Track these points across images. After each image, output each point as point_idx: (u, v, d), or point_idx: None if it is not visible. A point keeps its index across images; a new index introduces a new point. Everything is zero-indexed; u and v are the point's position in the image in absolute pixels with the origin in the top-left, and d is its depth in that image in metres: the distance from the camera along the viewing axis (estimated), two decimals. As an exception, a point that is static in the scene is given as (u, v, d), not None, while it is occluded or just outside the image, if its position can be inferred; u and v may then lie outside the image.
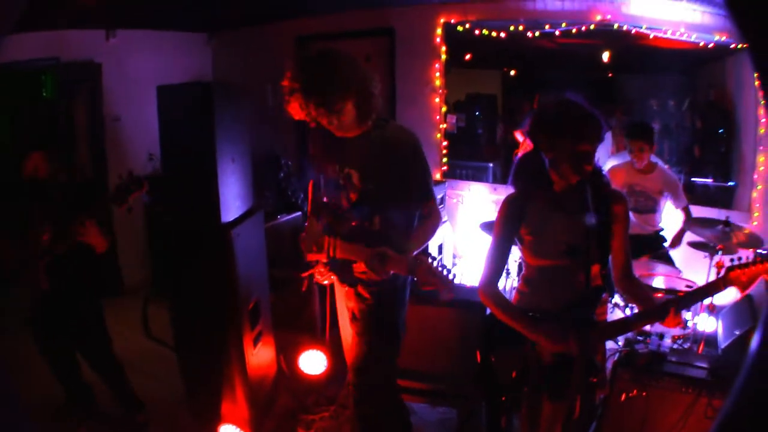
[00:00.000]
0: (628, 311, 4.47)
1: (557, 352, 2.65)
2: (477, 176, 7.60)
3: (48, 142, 4.02)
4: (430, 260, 2.72)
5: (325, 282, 3.31)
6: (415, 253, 2.96)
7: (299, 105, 2.93)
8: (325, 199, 3.31)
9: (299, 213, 6.42)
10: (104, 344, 4.34)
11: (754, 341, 1.08)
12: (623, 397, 3.47)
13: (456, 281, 2.75)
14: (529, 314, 2.78)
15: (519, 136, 7.11)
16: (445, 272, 2.72)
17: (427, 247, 3.38)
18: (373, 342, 3.26)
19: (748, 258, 2.60)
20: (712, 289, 2.70)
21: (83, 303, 4.19)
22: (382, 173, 3.06)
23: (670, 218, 5.58)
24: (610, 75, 8.18)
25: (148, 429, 4.39)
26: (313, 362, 4.56)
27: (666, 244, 5.48)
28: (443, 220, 3.34)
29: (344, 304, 3.47)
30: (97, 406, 4.45)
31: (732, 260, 2.61)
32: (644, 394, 3.43)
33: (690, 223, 5.28)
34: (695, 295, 2.78)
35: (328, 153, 3.25)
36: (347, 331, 3.53)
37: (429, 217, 3.15)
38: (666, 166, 5.57)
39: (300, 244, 3.26)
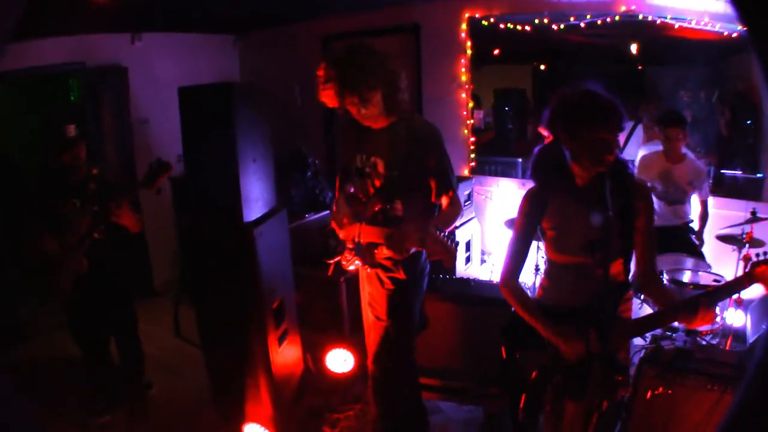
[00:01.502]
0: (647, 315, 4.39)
1: (570, 356, 2.63)
2: (506, 172, 7.53)
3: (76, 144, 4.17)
4: (438, 232, 2.75)
5: (351, 267, 3.47)
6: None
7: (334, 93, 3.11)
8: (352, 189, 3.45)
9: (327, 212, 6.41)
10: (132, 322, 4.56)
11: (762, 335, 1.06)
12: (649, 394, 3.40)
13: (456, 249, 2.77)
14: (549, 312, 2.76)
15: (544, 132, 7.05)
16: (448, 242, 2.74)
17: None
18: (389, 327, 3.42)
19: None
20: (737, 285, 2.62)
21: (117, 282, 4.42)
22: (406, 162, 3.21)
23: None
24: (639, 67, 8.07)
25: (152, 388, 4.82)
26: (339, 361, 4.57)
27: (696, 240, 5.40)
28: (464, 211, 3.42)
29: (366, 292, 3.59)
30: (122, 394, 4.59)
31: (758, 255, 2.53)
32: (670, 391, 3.35)
33: (706, 219, 5.30)
34: (721, 292, 2.70)
35: (356, 143, 3.43)
36: (369, 319, 3.62)
37: (450, 205, 3.28)
38: (695, 157, 5.48)
39: (332, 225, 3.49)
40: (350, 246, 3.38)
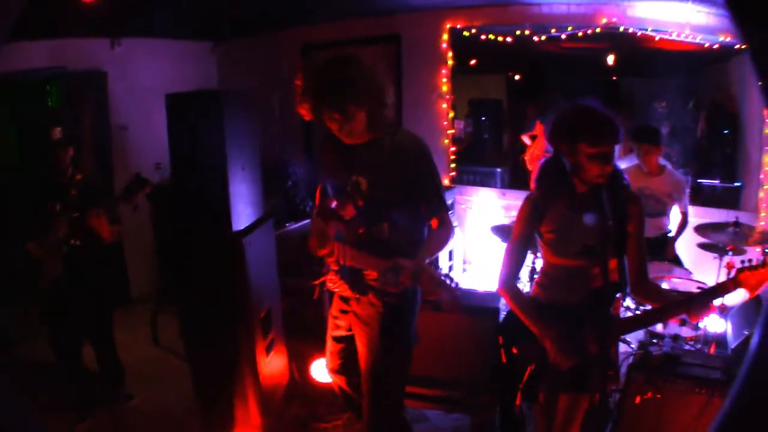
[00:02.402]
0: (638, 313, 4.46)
1: (556, 364, 2.71)
2: (485, 181, 7.59)
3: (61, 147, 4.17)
4: (434, 270, 2.70)
5: (337, 289, 3.28)
6: (426, 260, 2.92)
7: (311, 106, 2.89)
8: (333, 205, 3.23)
9: (308, 221, 6.38)
10: (107, 331, 4.61)
11: (753, 340, 1.08)
12: (638, 399, 3.47)
13: (460, 289, 2.70)
14: (546, 309, 2.86)
15: (526, 140, 7.11)
16: (448, 282, 2.71)
17: (437, 257, 3.32)
18: (384, 350, 3.17)
19: (758, 261, 2.62)
20: (721, 290, 2.73)
21: (92, 290, 4.40)
22: (391, 180, 2.99)
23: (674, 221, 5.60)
24: (614, 78, 8.17)
25: (133, 399, 4.75)
26: (324, 370, 4.54)
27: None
28: (454, 227, 3.26)
29: (337, 316, 3.40)
30: (97, 395, 4.58)
31: (742, 262, 2.64)
32: (658, 396, 3.43)
33: (684, 229, 5.41)
34: (712, 292, 2.77)
35: (336, 160, 3.18)
36: (332, 346, 3.48)
37: (441, 226, 3.06)
38: (674, 168, 5.56)
39: (309, 245, 3.16)
40: (335, 268, 3.18)
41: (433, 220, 3.07)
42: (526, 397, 2.93)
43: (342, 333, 3.38)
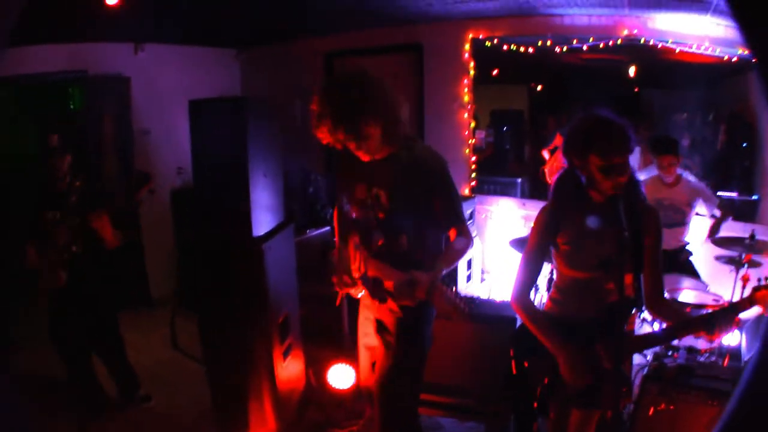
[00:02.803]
0: (656, 326, 4.44)
1: (569, 380, 2.68)
2: (505, 191, 7.58)
3: (75, 153, 4.20)
4: (447, 287, 2.70)
5: (359, 294, 3.31)
6: (443, 272, 2.95)
7: (328, 130, 2.93)
8: (354, 215, 3.28)
9: (328, 228, 6.44)
10: (113, 338, 4.64)
11: (754, 352, 1.10)
12: (651, 411, 3.46)
13: (472, 303, 2.71)
14: (559, 324, 2.80)
15: (546, 154, 7.11)
16: (460, 301, 2.69)
17: (455, 269, 3.33)
18: (400, 354, 3.23)
19: None
20: (738, 308, 2.64)
21: (96, 297, 4.44)
22: (410, 193, 3.04)
23: (696, 232, 5.61)
24: (635, 90, 8.14)
25: (150, 401, 4.73)
26: (341, 376, 4.56)
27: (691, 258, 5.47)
28: (473, 239, 3.29)
29: (368, 318, 3.44)
30: (105, 406, 4.65)
31: (759, 280, 2.61)
32: (672, 407, 3.42)
33: (729, 214, 5.40)
34: (727, 311, 2.75)
35: (356, 173, 3.23)
36: (365, 354, 3.53)
37: (459, 237, 3.10)
38: (690, 176, 5.55)
39: (333, 279, 3.28)
40: (356, 275, 3.23)
41: (451, 231, 3.11)
42: (538, 412, 2.93)
43: (371, 341, 3.42)
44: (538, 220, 2.90)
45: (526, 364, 2.93)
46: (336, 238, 3.45)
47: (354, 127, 2.88)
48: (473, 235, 6.39)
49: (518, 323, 2.98)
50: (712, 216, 5.51)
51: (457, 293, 2.72)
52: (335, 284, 3.28)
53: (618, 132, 2.60)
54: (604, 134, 2.60)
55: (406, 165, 3.05)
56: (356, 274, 3.21)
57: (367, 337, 3.46)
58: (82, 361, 4.49)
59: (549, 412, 2.92)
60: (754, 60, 1.10)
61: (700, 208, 5.49)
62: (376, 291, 3.18)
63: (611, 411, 2.69)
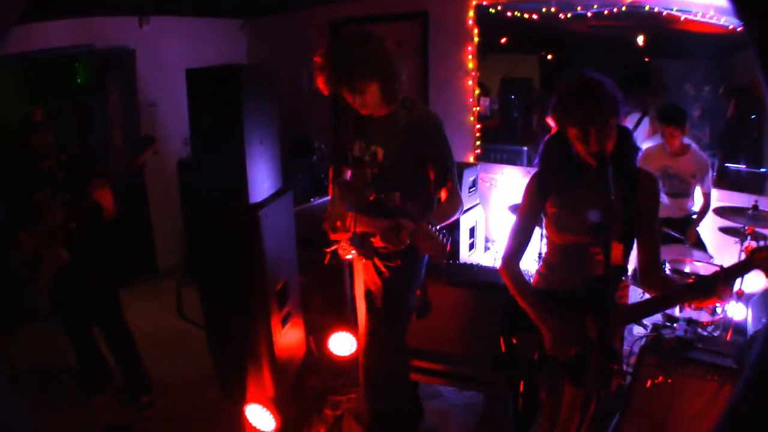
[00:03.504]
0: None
1: (555, 354, 2.66)
2: (511, 159, 7.53)
3: (81, 127, 4.13)
4: (431, 227, 2.71)
5: (348, 256, 3.41)
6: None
7: (324, 80, 3.12)
8: (348, 175, 3.41)
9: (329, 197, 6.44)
10: (119, 317, 4.53)
11: (760, 334, 1.08)
12: (649, 383, 3.41)
13: (448, 244, 2.71)
14: (547, 297, 2.77)
15: (551, 122, 7.04)
16: (440, 236, 2.70)
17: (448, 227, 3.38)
18: (383, 314, 3.41)
19: None
20: (736, 271, 2.57)
21: (98, 275, 4.38)
22: (405, 151, 3.18)
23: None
24: (646, 59, 8.05)
25: (151, 409, 4.51)
26: (342, 344, 4.60)
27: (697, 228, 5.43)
28: (463, 205, 3.36)
29: (361, 281, 3.58)
30: (110, 383, 4.64)
31: (758, 242, 2.55)
32: (669, 380, 3.36)
33: (706, 212, 5.35)
34: (718, 279, 2.68)
35: (355, 131, 3.41)
36: (362, 313, 3.62)
37: (449, 197, 3.21)
38: (699, 149, 5.49)
39: (323, 225, 3.39)
40: (346, 236, 3.33)
41: (442, 191, 3.22)
42: (531, 393, 2.91)
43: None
44: (528, 187, 2.87)
45: (514, 341, 2.92)
46: (329, 191, 3.58)
47: (350, 80, 3.07)
48: (475, 202, 6.42)
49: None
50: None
51: (439, 230, 2.73)
52: (327, 230, 3.38)
53: (594, 98, 2.51)
54: (578, 101, 2.53)
55: (404, 123, 3.20)
56: (348, 235, 3.30)
57: (362, 301, 3.59)
58: (86, 337, 4.49)
59: (540, 389, 2.91)
60: (749, 37, 1.07)
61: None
62: (365, 248, 3.31)
63: (601, 389, 2.57)
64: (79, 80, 6.65)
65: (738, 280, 4.07)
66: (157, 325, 5.64)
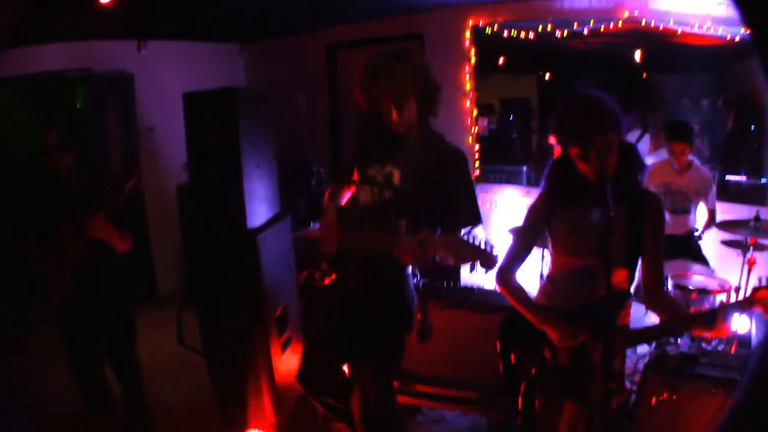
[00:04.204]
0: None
1: (566, 345, 2.62)
2: (511, 179, 7.53)
3: (80, 152, 4.02)
4: (463, 235, 2.61)
5: (325, 281, 3.35)
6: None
7: (372, 91, 2.97)
8: (360, 196, 3.26)
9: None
10: (130, 350, 4.25)
11: (759, 342, 1.06)
12: (654, 400, 3.38)
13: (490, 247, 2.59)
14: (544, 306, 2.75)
15: (553, 141, 7.04)
16: (478, 241, 2.58)
17: None
18: (380, 333, 3.23)
19: None
20: (737, 308, 2.52)
21: (109, 306, 4.08)
22: (425, 179, 3.01)
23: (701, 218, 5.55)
24: (644, 75, 8.07)
25: None
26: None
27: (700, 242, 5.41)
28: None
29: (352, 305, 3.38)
30: (113, 416, 4.44)
31: (760, 280, 2.50)
32: (674, 397, 3.34)
33: (711, 226, 5.32)
34: (726, 309, 2.64)
35: (373, 151, 3.22)
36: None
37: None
38: (700, 164, 5.48)
39: (319, 238, 3.23)
40: (331, 258, 3.23)
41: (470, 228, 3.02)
42: (530, 409, 2.87)
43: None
44: (533, 205, 2.88)
45: (513, 359, 2.88)
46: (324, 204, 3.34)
47: (399, 91, 2.92)
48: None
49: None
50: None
51: (475, 237, 2.60)
52: (321, 243, 3.21)
53: (593, 115, 2.51)
54: (577, 119, 2.53)
55: (431, 152, 3.07)
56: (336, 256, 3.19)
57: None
58: (93, 368, 4.17)
59: (536, 404, 2.86)
60: (754, 42, 1.05)
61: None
62: (355, 271, 3.17)
63: (600, 407, 2.58)
64: (78, 104, 6.65)
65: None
66: (157, 351, 5.59)
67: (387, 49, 3.07)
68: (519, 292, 2.80)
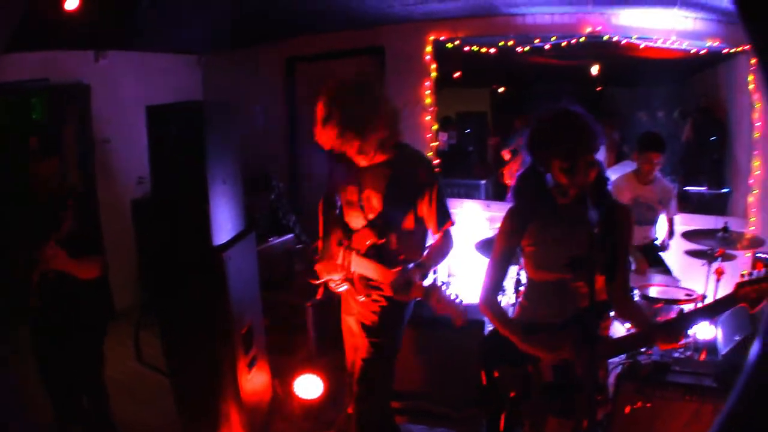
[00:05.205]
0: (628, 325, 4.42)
1: (554, 362, 2.64)
2: (469, 194, 7.56)
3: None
4: (442, 288, 2.86)
5: (339, 290, 3.43)
6: (432, 269, 3.19)
7: (335, 134, 3.04)
8: (345, 217, 3.45)
9: (291, 235, 6.37)
10: (98, 369, 4.15)
11: (753, 350, 1.05)
12: (628, 409, 3.44)
13: (463, 304, 2.89)
14: (529, 329, 2.74)
15: (506, 155, 7.09)
16: (455, 298, 2.86)
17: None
18: (381, 345, 3.36)
19: (759, 274, 2.53)
20: (722, 305, 2.60)
21: (76, 327, 3.92)
22: (402, 197, 3.19)
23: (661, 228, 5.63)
24: (598, 89, 8.19)
25: None
26: (308, 386, 4.49)
27: (661, 253, 5.48)
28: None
29: (353, 317, 3.54)
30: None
31: (742, 276, 2.54)
32: (649, 405, 3.41)
33: (672, 235, 5.43)
34: (706, 312, 2.70)
35: (347, 175, 3.36)
36: (351, 349, 3.66)
37: (444, 238, 3.30)
38: (661, 176, 5.57)
39: (315, 267, 3.44)
40: (339, 271, 3.35)
41: (441, 230, 3.29)
42: (510, 423, 2.87)
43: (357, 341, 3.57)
44: (503, 224, 2.86)
45: (496, 374, 2.87)
46: (320, 230, 3.57)
47: (362, 132, 3.01)
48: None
49: (486, 330, 2.94)
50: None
51: (454, 295, 2.85)
52: (318, 272, 3.41)
53: (580, 132, 2.53)
54: (565, 135, 2.54)
55: (400, 169, 3.21)
56: (339, 270, 3.34)
57: (354, 337, 3.60)
58: (66, 385, 3.99)
59: (521, 423, 2.86)
60: (754, 50, 1.06)
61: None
62: (363, 288, 3.30)
63: (587, 420, 2.60)
64: (34, 116, 6.50)
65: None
66: (116, 368, 5.44)
67: (346, 85, 3.11)
68: (502, 316, 2.84)
